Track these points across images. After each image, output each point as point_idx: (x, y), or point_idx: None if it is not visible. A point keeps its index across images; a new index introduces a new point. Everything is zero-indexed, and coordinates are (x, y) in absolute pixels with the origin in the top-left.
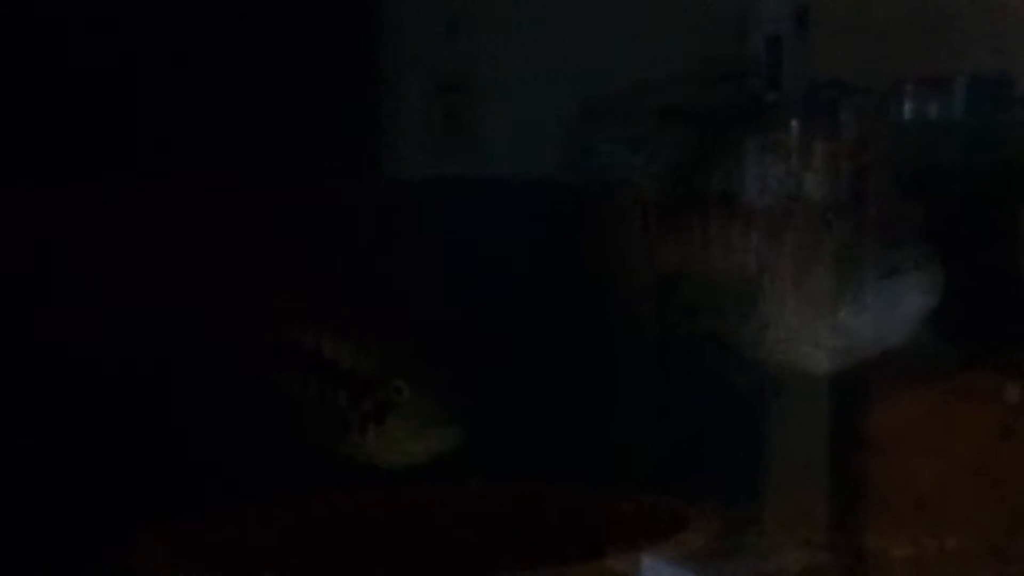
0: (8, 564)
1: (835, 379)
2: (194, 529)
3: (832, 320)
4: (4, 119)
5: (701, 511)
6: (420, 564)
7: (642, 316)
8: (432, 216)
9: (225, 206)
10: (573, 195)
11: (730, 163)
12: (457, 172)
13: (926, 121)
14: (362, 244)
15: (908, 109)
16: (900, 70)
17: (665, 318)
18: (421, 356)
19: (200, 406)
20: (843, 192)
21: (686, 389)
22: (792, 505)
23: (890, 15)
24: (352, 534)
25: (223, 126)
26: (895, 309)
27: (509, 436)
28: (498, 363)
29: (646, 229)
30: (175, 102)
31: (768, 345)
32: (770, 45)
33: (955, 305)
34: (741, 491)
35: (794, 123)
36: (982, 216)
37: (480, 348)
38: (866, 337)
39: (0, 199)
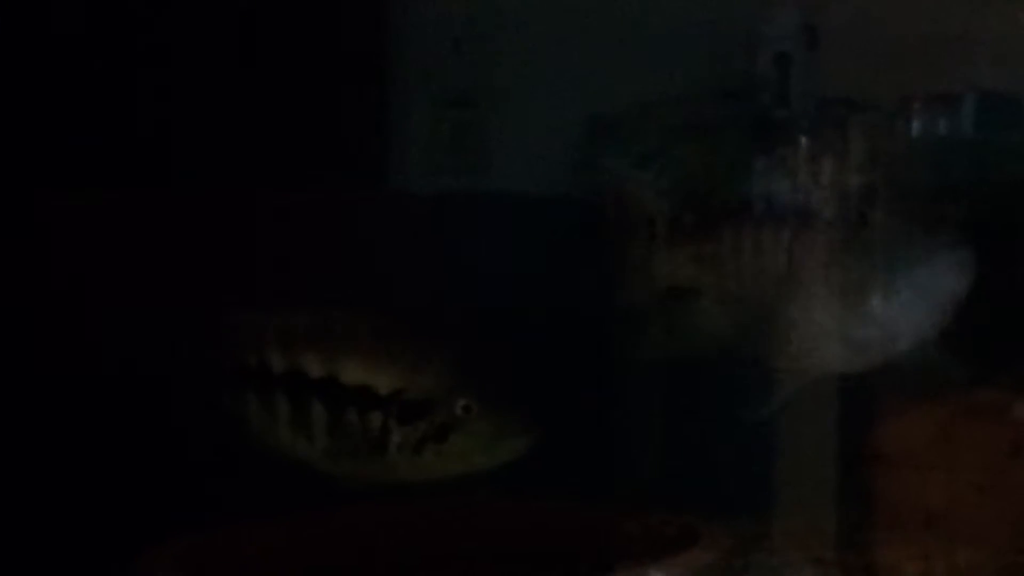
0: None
1: (844, 394)
2: (199, 544)
3: (864, 313)
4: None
5: (711, 528)
6: None
7: (653, 330)
8: (451, 231)
9: (232, 220)
10: (581, 209)
11: (739, 179)
12: (464, 186)
13: (935, 137)
14: (386, 266)
15: (916, 126)
16: (908, 87)
17: (678, 331)
18: (480, 371)
19: (206, 420)
20: (850, 207)
21: (695, 404)
22: (802, 522)
23: (899, 33)
24: (359, 548)
25: (231, 140)
26: (929, 295)
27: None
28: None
29: (655, 243)
30: (186, 116)
31: (793, 348)
32: (779, 63)
33: (965, 321)
34: (750, 507)
35: (803, 140)
36: (991, 232)
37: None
38: (901, 326)
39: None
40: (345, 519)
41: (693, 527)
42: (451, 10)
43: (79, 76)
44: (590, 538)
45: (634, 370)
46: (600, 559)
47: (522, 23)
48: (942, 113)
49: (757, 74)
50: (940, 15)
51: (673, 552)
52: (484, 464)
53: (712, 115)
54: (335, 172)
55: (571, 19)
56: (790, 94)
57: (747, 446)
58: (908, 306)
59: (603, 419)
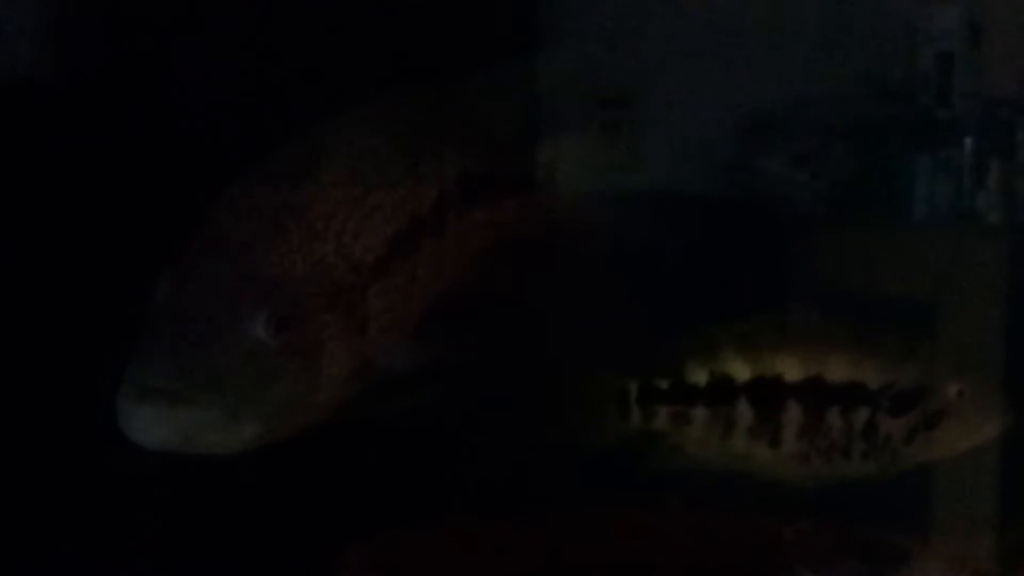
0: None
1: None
2: (391, 545)
3: None
4: None
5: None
6: None
7: None
8: None
9: None
10: (735, 209)
11: (899, 181)
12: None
13: None
14: None
15: None
16: None
17: None
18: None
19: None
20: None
21: None
22: (959, 537)
23: None
24: (548, 554)
25: None
26: None
27: None
28: None
29: (808, 244)
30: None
31: None
32: (941, 61)
33: None
34: (907, 521)
35: (967, 141)
36: None
37: None
38: None
39: None
40: (535, 524)
41: (903, 547)
42: (603, 9)
43: None
44: (796, 553)
45: None
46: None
47: (675, 21)
48: None
49: (918, 73)
50: None
51: (883, 570)
52: (965, 447)
53: (871, 115)
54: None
55: (725, 16)
56: (952, 94)
57: None
58: None
59: None
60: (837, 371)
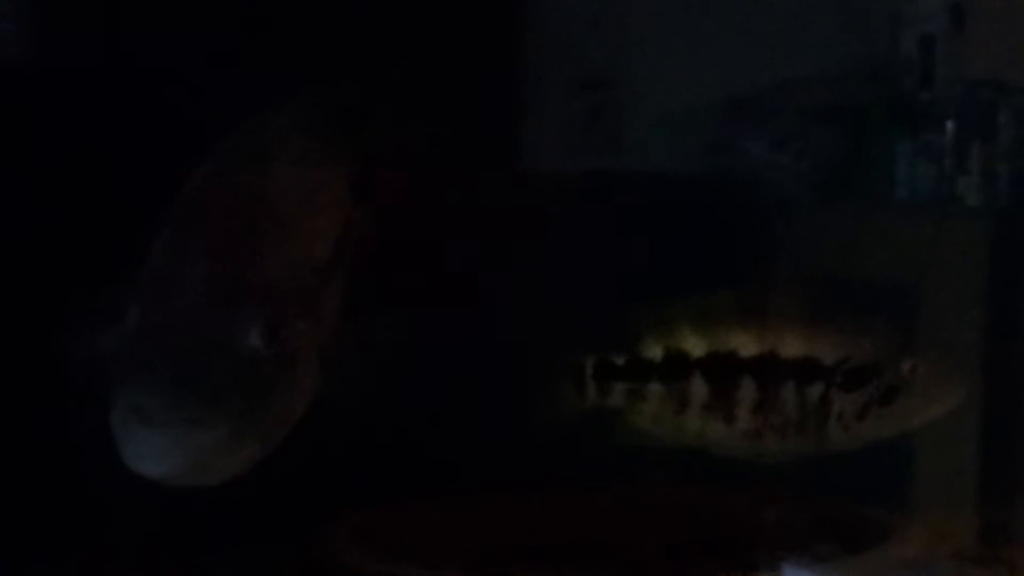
0: (198, 541)
1: (992, 392)
2: (378, 517)
3: None
4: None
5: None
6: (600, 562)
7: None
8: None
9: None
10: (716, 192)
11: (880, 164)
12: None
13: None
14: None
15: None
16: None
17: None
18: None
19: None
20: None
21: None
22: (940, 516)
23: None
24: (535, 530)
25: None
26: None
27: None
28: None
29: (788, 228)
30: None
31: None
32: (923, 44)
33: None
34: (888, 500)
35: (949, 124)
36: None
37: None
38: None
39: None
40: (521, 500)
41: (882, 521)
42: None
43: None
44: (764, 526)
45: None
46: (777, 549)
47: (656, 2)
48: None
49: (900, 55)
50: None
51: (862, 547)
52: (918, 423)
53: (853, 97)
54: (468, 153)
55: None
56: (935, 76)
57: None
58: None
59: None
60: (791, 347)
